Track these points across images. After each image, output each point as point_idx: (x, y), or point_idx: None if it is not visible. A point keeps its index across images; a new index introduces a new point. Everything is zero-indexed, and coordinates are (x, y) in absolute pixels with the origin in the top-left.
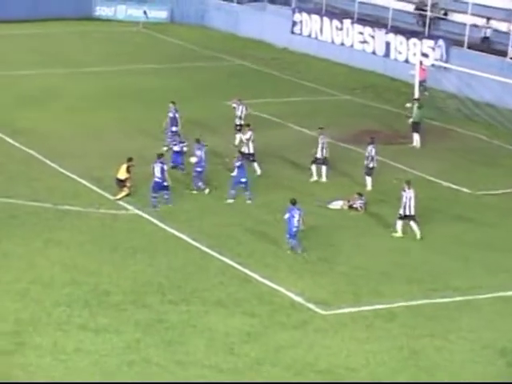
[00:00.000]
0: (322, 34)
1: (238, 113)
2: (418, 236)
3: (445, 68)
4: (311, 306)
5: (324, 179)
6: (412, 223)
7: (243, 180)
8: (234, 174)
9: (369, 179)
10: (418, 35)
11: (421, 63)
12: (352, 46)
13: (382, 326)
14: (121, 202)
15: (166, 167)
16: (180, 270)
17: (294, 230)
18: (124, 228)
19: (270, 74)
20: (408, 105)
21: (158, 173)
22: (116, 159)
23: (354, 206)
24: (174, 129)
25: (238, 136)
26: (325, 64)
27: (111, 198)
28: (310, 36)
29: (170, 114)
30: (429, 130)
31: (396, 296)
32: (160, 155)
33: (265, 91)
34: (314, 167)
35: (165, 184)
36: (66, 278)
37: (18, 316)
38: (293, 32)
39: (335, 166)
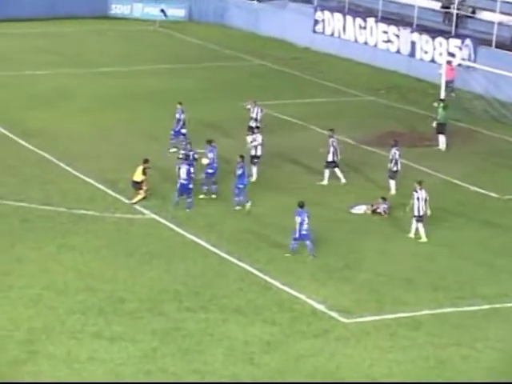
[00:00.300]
0: (344, 33)
1: (253, 115)
2: (411, 235)
3: (472, 68)
4: (333, 313)
5: (344, 180)
6: (415, 222)
7: (240, 186)
8: (247, 181)
9: (392, 183)
10: (445, 34)
11: (450, 63)
12: (376, 45)
13: (406, 334)
14: (137, 206)
15: (192, 169)
16: (198, 276)
17: (304, 233)
18: (140, 233)
19: (291, 74)
20: (435, 104)
21: (183, 174)
22: (131, 161)
23: (378, 210)
24: (183, 131)
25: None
26: (348, 64)
27: (127, 201)
28: (332, 35)
29: (177, 115)
30: (455, 131)
31: (421, 304)
32: (186, 156)
33: (286, 92)
34: (327, 171)
35: (190, 186)
36: (80, 284)
37: (30, 324)
38: (315, 31)
39: (358, 169)
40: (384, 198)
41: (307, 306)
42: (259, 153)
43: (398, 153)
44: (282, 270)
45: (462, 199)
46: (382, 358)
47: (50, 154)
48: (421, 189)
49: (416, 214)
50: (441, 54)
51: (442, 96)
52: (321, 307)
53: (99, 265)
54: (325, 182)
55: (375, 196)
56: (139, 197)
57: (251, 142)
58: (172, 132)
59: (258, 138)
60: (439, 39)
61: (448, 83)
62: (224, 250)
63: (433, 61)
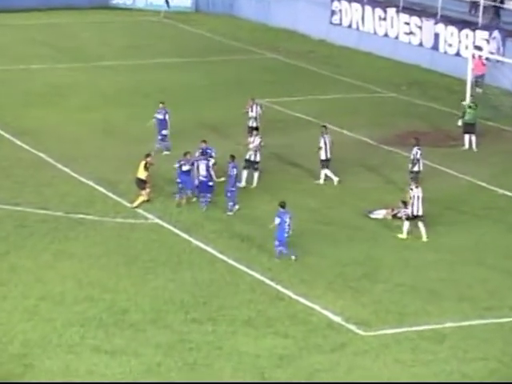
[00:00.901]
0: (363, 25)
1: (253, 113)
2: (424, 238)
3: (501, 62)
4: (350, 326)
5: (322, 182)
6: (420, 224)
7: (232, 189)
8: (242, 183)
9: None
10: (471, 26)
11: (480, 57)
12: (397, 37)
13: (429, 348)
14: (140, 210)
15: (211, 163)
16: (205, 285)
17: (286, 235)
18: (143, 239)
19: (305, 69)
20: (464, 103)
21: (202, 171)
22: (133, 162)
23: (399, 215)
24: (164, 132)
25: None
26: (366, 58)
27: (128, 205)
28: (350, 26)
29: (160, 116)
30: (482, 130)
31: (445, 315)
32: (203, 152)
33: (299, 88)
34: (323, 171)
35: (210, 184)
36: (79, 294)
37: (25, 336)
38: (331, 22)
39: (377, 171)
40: (405, 202)
41: (322, 317)
42: (258, 158)
43: (419, 152)
44: (296, 279)
45: (489, 202)
46: (403, 373)
47: (46, 155)
48: (417, 187)
49: (409, 212)
50: (467, 48)
51: (469, 93)
52: (337, 319)
53: (99, 273)
54: (321, 181)
55: (395, 199)
56: (140, 199)
57: (249, 144)
58: (159, 136)
59: (256, 140)
60: (465, 31)
61: (478, 78)
62: (233, 257)
63: (458, 54)
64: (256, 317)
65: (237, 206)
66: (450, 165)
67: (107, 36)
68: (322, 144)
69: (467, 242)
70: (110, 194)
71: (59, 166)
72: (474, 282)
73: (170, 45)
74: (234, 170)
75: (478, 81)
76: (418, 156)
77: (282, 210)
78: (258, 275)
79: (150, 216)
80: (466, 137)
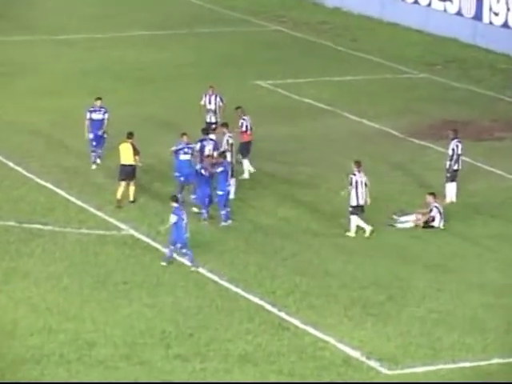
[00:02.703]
0: None
1: (211, 106)
2: (368, 233)
3: None
4: (372, 363)
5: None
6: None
7: (220, 193)
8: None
9: (452, 186)
10: None
11: None
12: (429, 4)
13: None
14: (111, 219)
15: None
16: (191, 313)
17: (186, 236)
18: (115, 255)
19: (317, 44)
20: None
21: (209, 152)
22: (102, 160)
23: (430, 219)
24: (105, 136)
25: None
26: (392, 30)
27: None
28: None
29: (98, 116)
30: None
31: (490, 350)
32: (205, 130)
33: (309, 67)
34: (246, 161)
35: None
36: (35, 323)
37: None
38: None
39: (405, 170)
40: (432, 193)
41: (337, 352)
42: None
43: (460, 146)
44: (303, 303)
45: None
46: None
47: None
48: (359, 171)
49: (354, 203)
50: None
51: None
52: (355, 354)
53: (60, 297)
54: (245, 175)
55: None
56: (132, 190)
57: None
58: (91, 139)
59: (225, 139)
60: None
61: None
62: (226, 278)
63: (505, 25)
64: (255, 351)
65: (228, 209)
66: (496, 162)
67: (72, 3)
68: (243, 128)
69: None
70: (73, 199)
71: (10, 164)
72: None
73: (149, 14)
74: (221, 168)
75: None
76: (459, 151)
77: (175, 205)
78: (256, 300)
79: (123, 226)
80: None
